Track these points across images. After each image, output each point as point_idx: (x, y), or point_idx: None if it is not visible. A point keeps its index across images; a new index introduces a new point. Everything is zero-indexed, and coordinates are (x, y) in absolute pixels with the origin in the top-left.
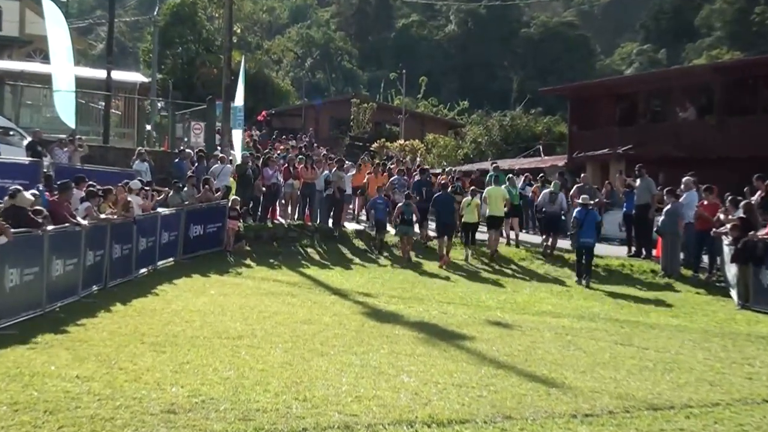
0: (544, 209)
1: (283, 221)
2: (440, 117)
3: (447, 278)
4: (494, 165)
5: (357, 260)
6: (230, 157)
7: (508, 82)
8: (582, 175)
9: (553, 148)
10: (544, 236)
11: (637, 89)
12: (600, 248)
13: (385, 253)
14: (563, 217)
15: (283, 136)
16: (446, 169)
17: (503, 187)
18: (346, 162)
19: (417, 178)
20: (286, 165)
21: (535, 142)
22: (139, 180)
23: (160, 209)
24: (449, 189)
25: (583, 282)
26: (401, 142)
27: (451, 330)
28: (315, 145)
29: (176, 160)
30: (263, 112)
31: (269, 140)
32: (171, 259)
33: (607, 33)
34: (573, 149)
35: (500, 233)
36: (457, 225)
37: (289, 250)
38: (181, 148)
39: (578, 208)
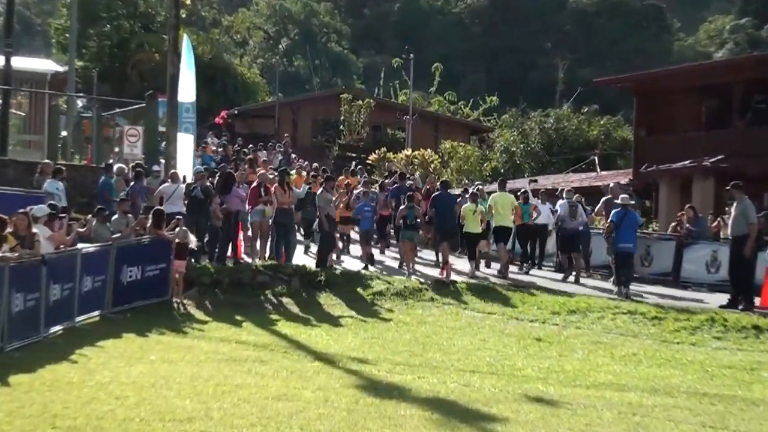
0: (563, 225)
1: (249, 261)
2: (460, 118)
3: (469, 331)
4: (533, 180)
5: (350, 314)
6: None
7: (551, 70)
8: (610, 184)
9: (612, 159)
10: (562, 259)
11: (731, 79)
12: (677, 293)
13: (387, 305)
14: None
15: (250, 146)
16: (472, 189)
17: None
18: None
19: (395, 185)
20: (256, 185)
21: (589, 152)
22: (50, 205)
23: (80, 245)
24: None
25: (623, 291)
26: (408, 152)
27: (476, 409)
28: (293, 156)
29: (103, 177)
30: (222, 113)
31: (230, 149)
32: (96, 313)
33: (687, 4)
34: (641, 161)
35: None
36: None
37: (259, 300)
38: (110, 161)
39: (615, 210)
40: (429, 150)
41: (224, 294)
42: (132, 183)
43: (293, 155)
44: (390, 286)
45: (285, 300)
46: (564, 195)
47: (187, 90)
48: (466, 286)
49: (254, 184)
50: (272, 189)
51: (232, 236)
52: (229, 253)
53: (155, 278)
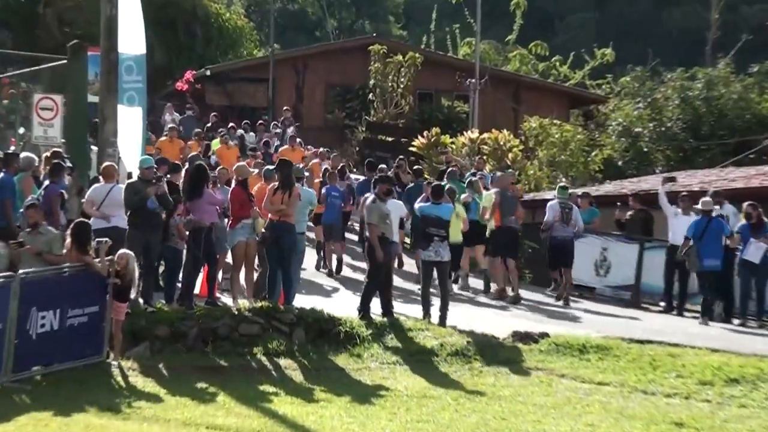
0: (551, 232)
1: (229, 301)
2: (554, 82)
3: (568, 412)
4: (669, 179)
5: (383, 383)
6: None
7: (698, 8)
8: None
9: None
10: (555, 275)
11: None
12: None
13: (441, 370)
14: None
15: (230, 125)
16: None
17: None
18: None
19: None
20: (237, 185)
21: (762, 135)
22: None
23: None
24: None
25: (716, 311)
26: (473, 134)
27: None
28: (297, 140)
29: (1, 174)
30: (187, 74)
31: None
32: None
33: None
34: None
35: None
36: None
37: (243, 362)
38: (11, 149)
39: (697, 217)
40: (505, 131)
41: (190, 353)
42: (46, 182)
43: (297, 140)
44: (446, 340)
45: (284, 362)
46: (556, 193)
47: (131, 39)
48: (564, 341)
49: (234, 182)
50: (266, 190)
51: (202, 264)
52: (197, 289)
53: (82, 329)
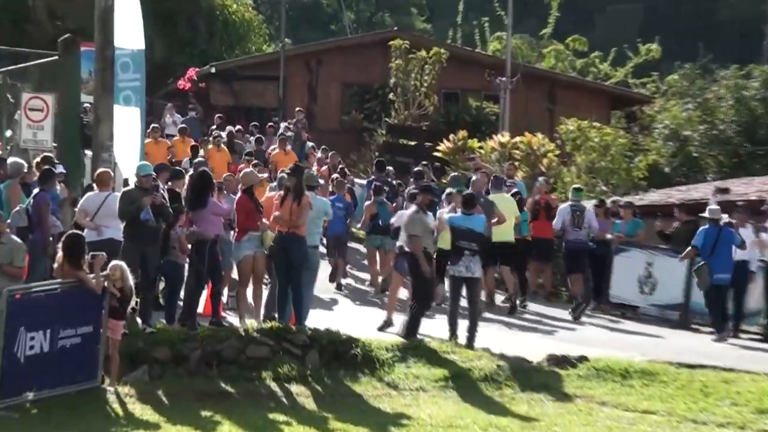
0: (564, 236)
1: (234, 320)
2: (593, 81)
3: None
4: (722, 190)
5: (408, 411)
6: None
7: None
8: None
9: None
10: (569, 282)
11: None
12: None
13: (471, 397)
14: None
15: (237, 127)
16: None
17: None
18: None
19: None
20: (244, 193)
21: None
22: None
23: None
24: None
25: (728, 331)
26: (504, 137)
27: None
28: (309, 145)
29: None
30: (190, 72)
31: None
32: None
33: None
34: None
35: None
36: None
37: (251, 388)
38: None
39: (704, 227)
40: (539, 135)
41: (192, 378)
42: (36, 190)
43: (310, 143)
44: (474, 364)
45: (295, 388)
46: (570, 194)
47: (128, 33)
48: (604, 366)
49: (239, 191)
50: (273, 199)
51: (206, 280)
52: (201, 308)
53: (74, 351)
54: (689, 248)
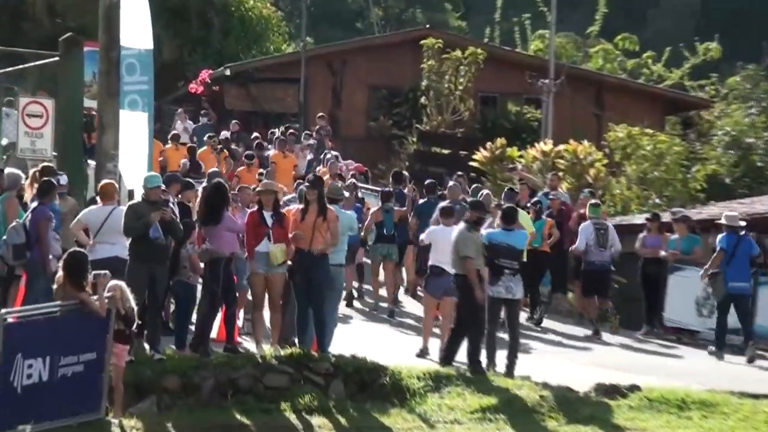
0: (587, 257)
1: (251, 346)
2: (645, 83)
3: None
4: None
5: None
6: (127, 186)
7: None
8: None
9: None
10: (583, 304)
11: None
12: None
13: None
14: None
15: (254, 135)
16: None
17: None
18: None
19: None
20: (258, 206)
21: None
22: None
23: None
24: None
25: (748, 350)
26: (546, 145)
27: None
28: (332, 154)
29: None
30: (203, 74)
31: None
32: None
33: None
34: None
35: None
36: None
37: (270, 420)
38: None
39: (722, 234)
40: (586, 142)
41: (205, 409)
42: (34, 203)
43: (333, 152)
44: (515, 393)
45: (317, 420)
46: (588, 210)
47: (135, 32)
48: (658, 396)
49: (253, 206)
50: (290, 216)
51: (220, 303)
52: (214, 333)
53: (76, 380)
54: (715, 254)
